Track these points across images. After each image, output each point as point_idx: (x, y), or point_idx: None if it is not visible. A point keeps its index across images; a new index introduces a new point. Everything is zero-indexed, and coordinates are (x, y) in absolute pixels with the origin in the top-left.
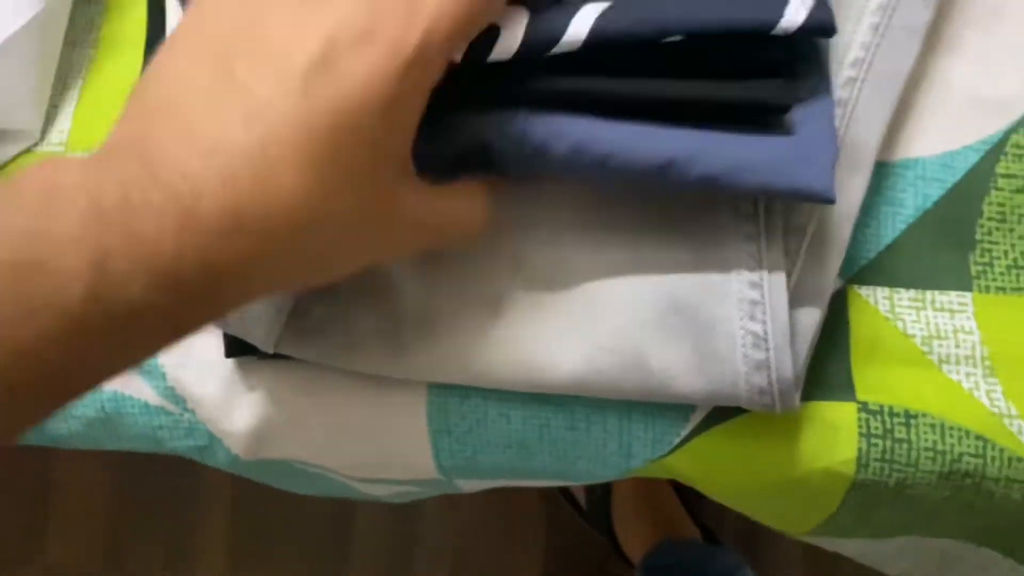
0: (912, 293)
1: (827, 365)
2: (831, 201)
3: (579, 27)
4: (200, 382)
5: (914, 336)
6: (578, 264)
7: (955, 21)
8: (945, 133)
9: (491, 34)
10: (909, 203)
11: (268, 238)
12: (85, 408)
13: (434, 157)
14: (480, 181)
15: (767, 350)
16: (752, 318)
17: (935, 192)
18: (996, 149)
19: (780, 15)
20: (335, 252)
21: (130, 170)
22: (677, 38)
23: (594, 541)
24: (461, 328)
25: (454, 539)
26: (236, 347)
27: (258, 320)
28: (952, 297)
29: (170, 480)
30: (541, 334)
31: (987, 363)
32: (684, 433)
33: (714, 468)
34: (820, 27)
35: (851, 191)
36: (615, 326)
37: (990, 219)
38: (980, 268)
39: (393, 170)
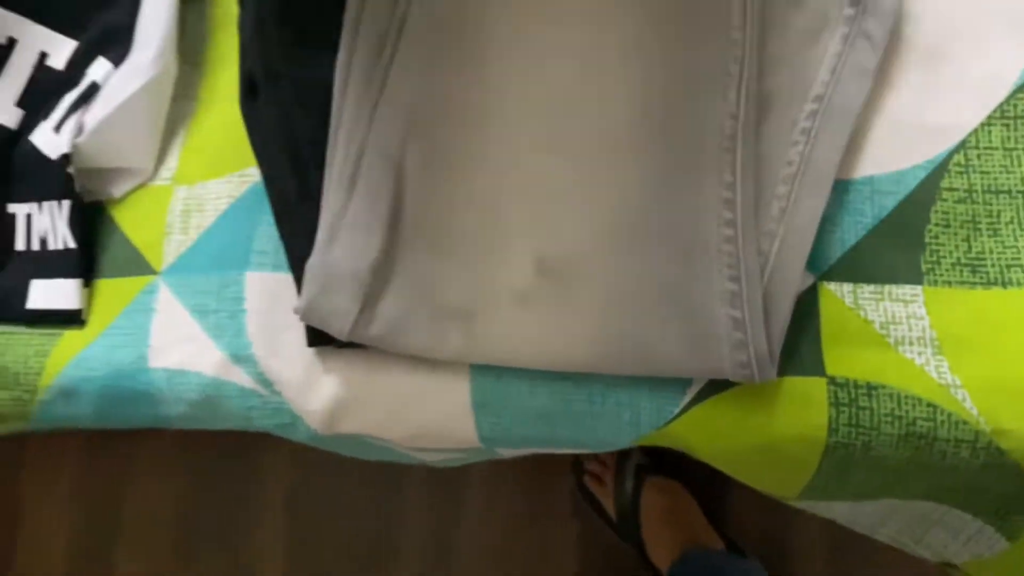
0: (872, 287)
1: (801, 347)
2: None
3: None
4: (286, 368)
5: (874, 322)
6: (590, 265)
7: (902, 61)
8: (896, 154)
9: None
10: (868, 213)
11: None
12: (191, 392)
13: None
14: None
15: (746, 331)
16: (732, 306)
17: (890, 203)
18: (940, 167)
19: None
20: None
21: None
22: None
23: (624, 552)
24: (496, 319)
25: (490, 548)
26: (316, 337)
27: (335, 314)
28: (906, 290)
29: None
30: (560, 324)
31: (935, 343)
32: (682, 404)
33: (709, 434)
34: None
35: (814, 204)
36: (620, 316)
37: (936, 225)
38: (929, 266)
39: None
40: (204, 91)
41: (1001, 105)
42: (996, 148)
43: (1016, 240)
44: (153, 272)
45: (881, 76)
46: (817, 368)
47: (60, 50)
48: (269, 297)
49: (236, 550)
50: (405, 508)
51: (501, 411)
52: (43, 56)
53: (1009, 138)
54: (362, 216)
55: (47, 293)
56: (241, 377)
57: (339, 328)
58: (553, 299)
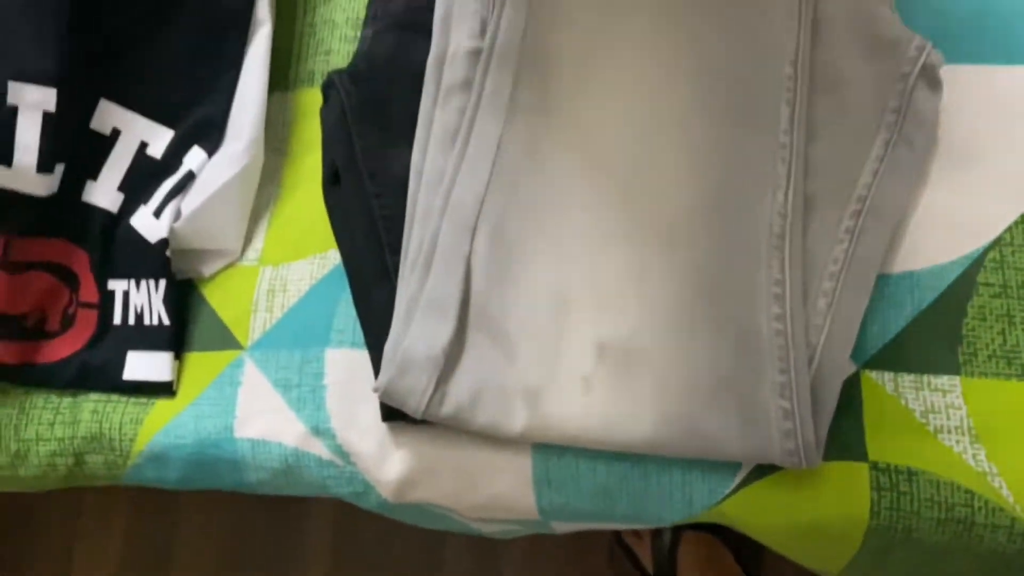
0: (912, 376)
1: (845, 432)
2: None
3: None
4: (362, 440)
5: (915, 410)
6: (650, 353)
7: (939, 160)
8: (935, 250)
9: None
10: (908, 305)
11: None
12: (273, 462)
13: None
14: None
15: (794, 421)
16: (782, 396)
17: (928, 297)
18: (976, 263)
19: None
20: None
21: None
22: None
23: None
24: (560, 402)
25: None
26: (391, 413)
27: (411, 394)
28: (944, 380)
29: (277, 532)
30: (620, 408)
31: (973, 432)
32: (733, 485)
33: (757, 513)
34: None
35: (858, 300)
36: (678, 402)
37: (974, 318)
38: (966, 357)
39: None
40: (288, 176)
41: None
42: None
43: None
44: (240, 347)
45: (924, 176)
46: (860, 453)
47: (159, 140)
48: (347, 373)
49: None
50: (446, 554)
51: (561, 487)
52: (143, 145)
53: None
54: (436, 300)
55: (142, 365)
56: (320, 448)
57: (414, 408)
58: (614, 384)
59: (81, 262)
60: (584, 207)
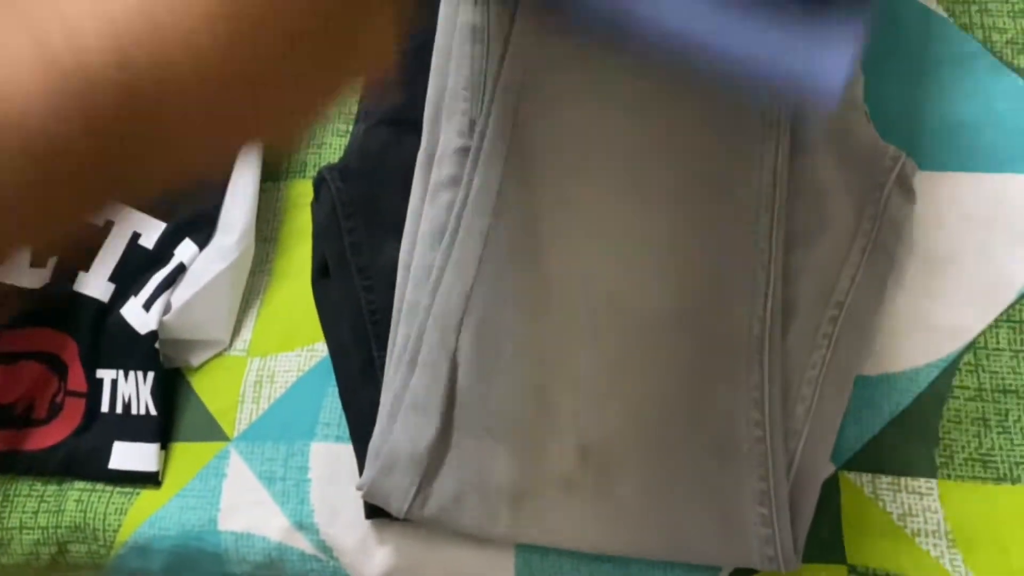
0: (890, 478)
1: (823, 535)
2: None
3: None
4: (345, 536)
5: (892, 513)
6: (630, 456)
7: (915, 265)
8: (911, 353)
9: None
10: (885, 407)
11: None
12: (256, 555)
13: None
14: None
15: (773, 527)
16: (761, 504)
17: (905, 400)
18: (952, 366)
19: None
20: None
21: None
22: None
23: None
24: (542, 504)
25: None
26: (374, 511)
27: (394, 493)
28: (921, 482)
29: None
30: (601, 511)
31: (950, 537)
32: None
33: None
34: None
35: (836, 405)
36: (659, 508)
37: (950, 421)
38: (943, 460)
39: None
40: (277, 266)
41: (1007, 309)
42: (1004, 350)
43: None
44: (226, 439)
45: (900, 280)
46: (838, 556)
47: (151, 231)
48: (332, 467)
49: None
50: None
51: None
52: (135, 236)
53: (1015, 340)
54: (421, 398)
55: (128, 455)
56: (303, 543)
57: (397, 508)
58: (595, 487)
59: (70, 351)
60: (570, 308)
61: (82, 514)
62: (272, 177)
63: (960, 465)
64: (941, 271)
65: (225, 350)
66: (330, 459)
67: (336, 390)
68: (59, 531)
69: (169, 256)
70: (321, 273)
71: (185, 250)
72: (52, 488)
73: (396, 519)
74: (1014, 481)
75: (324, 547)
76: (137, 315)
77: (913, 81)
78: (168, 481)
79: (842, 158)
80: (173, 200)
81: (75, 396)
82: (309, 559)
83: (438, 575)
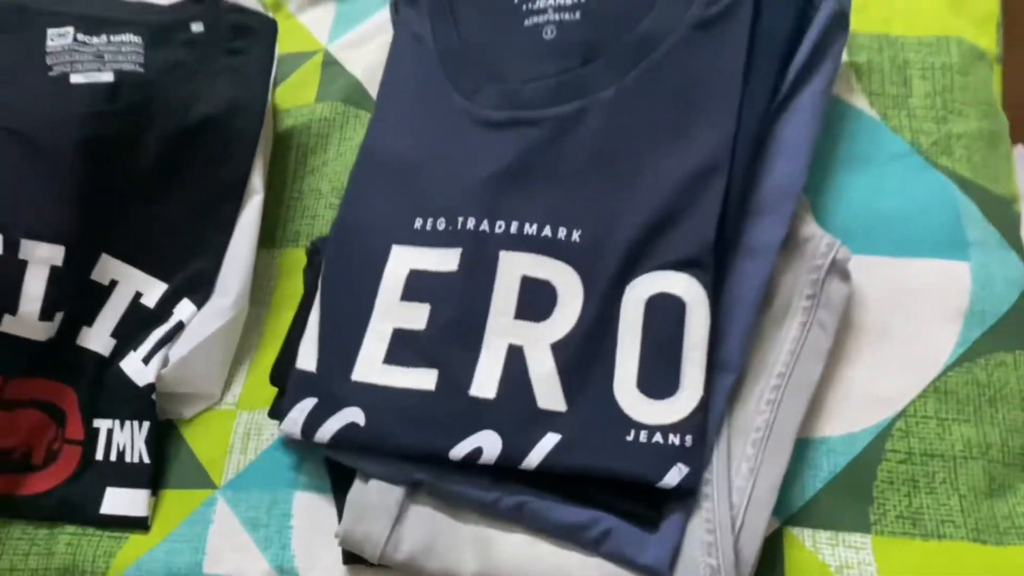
0: (828, 533)
1: None
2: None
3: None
4: None
5: (830, 565)
6: None
7: (854, 340)
8: (849, 419)
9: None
10: (824, 468)
11: None
12: None
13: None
14: None
15: None
16: (709, 554)
17: (842, 461)
18: (885, 431)
19: (662, 477)
20: None
21: None
22: None
23: None
24: (508, 550)
25: None
26: (351, 557)
27: (368, 540)
28: (856, 537)
29: None
30: (566, 553)
31: None
32: None
33: None
34: (688, 490)
35: (777, 465)
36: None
37: (883, 481)
38: (876, 517)
39: None
40: (269, 328)
41: (934, 381)
42: (931, 417)
43: (949, 499)
44: (214, 486)
45: (837, 352)
46: None
47: (153, 291)
48: (313, 516)
49: None
50: None
51: None
52: (138, 295)
53: (941, 409)
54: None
55: (119, 501)
56: None
57: (371, 553)
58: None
59: (70, 401)
60: None
61: (71, 556)
62: (267, 244)
63: (892, 522)
64: (875, 345)
65: (216, 404)
66: (312, 509)
67: None
68: (48, 573)
69: (169, 315)
70: (300, 330)
71: (184, 309)
72: (43, 532)
73: (372, 565)
74: (940, 538)
75: None
76: (136, 368)
77: (849, 176)
78: (156, 526)
79: (785, 244)
80: (174, 263)
81: (72, 444)
82: None
83: None
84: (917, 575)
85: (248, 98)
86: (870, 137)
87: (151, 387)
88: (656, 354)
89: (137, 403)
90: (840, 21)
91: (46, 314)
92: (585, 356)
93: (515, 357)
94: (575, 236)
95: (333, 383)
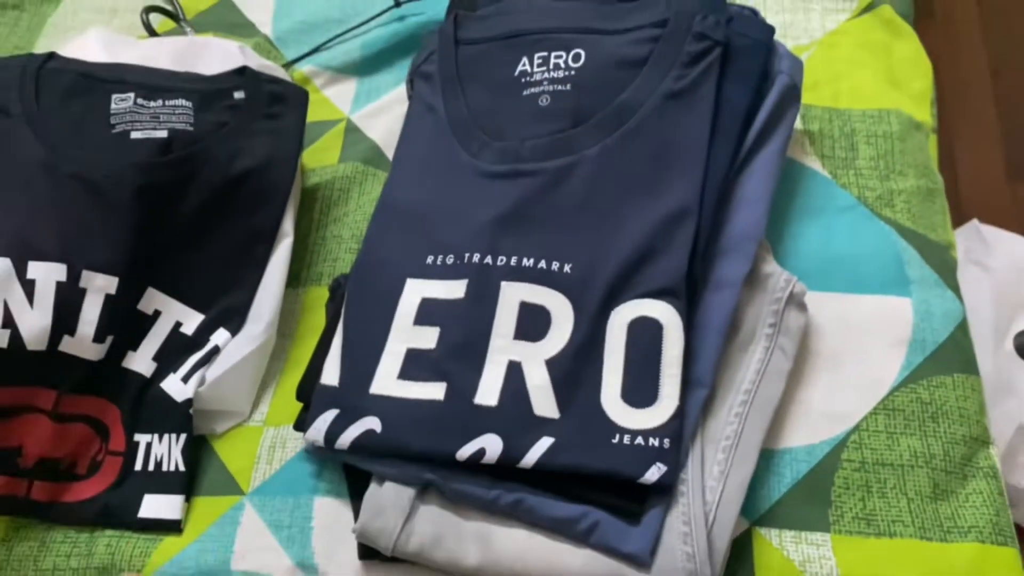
0: (793, 533)
1: None
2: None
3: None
4: (341, 574)
5: (795, 561)
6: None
7: (809, 366)
8: (809, 432)
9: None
10: (788, 475)
11: None
12: None
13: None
14: None
15: (695, 562)
16: (685, 543)
17: (803, 469)
18: (841, 443)
19: (643, 474)
20: None
21: None
22: None
23: None
24: (508, 541)
25: None
26: (367, 553)
27: (382, 533)
28: (817, 536)
29: None
30: (558, 546)
31: None
32: None
33: None
34: (666, 486)
35: (744, 470)
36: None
37: (840, 487)
38: (835, 518)
39: None
40: (293, 355)
41: (883, 400)
42: (881, 431)
43: (898, 502)
44: (242, 493)
45: (796, 375)
46: None
47: (191, 321)
48: (332, 518)
49: None
50: None
51: None
52: (178, 324)
53: (890, 424)
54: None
55: (156, 506)
56: None
57: (385, 545)
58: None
59: (114, 417)
60: None
61: (110, 556)
62: (293, 284)
63: (849, 523)
64: (830, 369)
65: (245, 421)
66: (331, 511)
67: None
68: (89, 571)
69: (205, 341)
70: (320, 360)
71: (219, 336)
72: (84, 535)
73: (386, 559)
74: (892, 536)
75: None
76: (176, 387)
77: (805, 226)
78: (189, 529)
79: (749, 280)
80: (212, 297)
81: (114, 455)
82: None
83: None
84: (872, 569)
85: (282, 154)
86: (822, 192)
87: (189, 402)
88: (638, 368)
89: (175, 418)
90: (792, 92)
91: (99, 337)
92: (575, 370)
93: (514, 371)
94: (567, 268)
95: (353, 396)
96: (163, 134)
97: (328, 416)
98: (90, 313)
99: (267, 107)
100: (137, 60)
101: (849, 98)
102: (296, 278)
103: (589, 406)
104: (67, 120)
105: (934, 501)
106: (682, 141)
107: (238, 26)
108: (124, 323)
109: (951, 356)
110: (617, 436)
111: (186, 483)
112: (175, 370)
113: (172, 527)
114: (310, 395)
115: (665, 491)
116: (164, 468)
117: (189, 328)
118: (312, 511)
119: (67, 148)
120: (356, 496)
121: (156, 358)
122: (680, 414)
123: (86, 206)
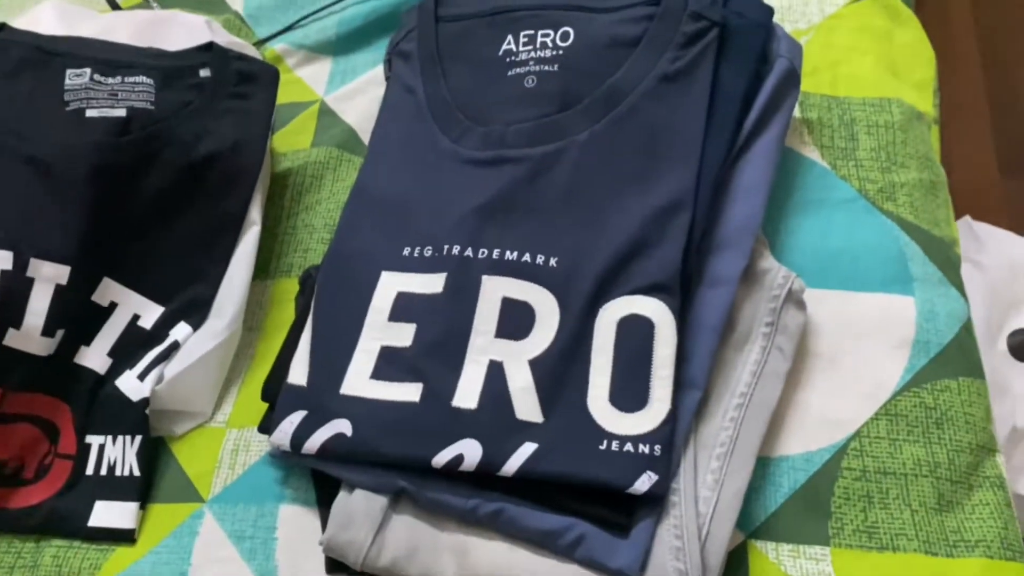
0: (790, 546)
1: None
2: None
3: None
4: None
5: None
6: None
7: (807, 368)
8: (807, 439)
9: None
10: (785, 485)
11: None
12: None
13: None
14: None
15: None
16: (677, 559)
17: (801, 478)
18: (840, 451)
19: (632, 483)
20: None
21: None
22: None
23: None
24: (486, 555)
25: None
26: (334, 566)
27: (351, 546)
28: (816, 550)
29: None
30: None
31: None
32: None
33: None
34: (657, 496)
35: (740, 478)
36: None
37: (840, 497)
38: (835, 530)
39: None
40: (259, 351)
41: (885, 404)
42: (883, 438)
43: (902, 514)
44: (201, 500)
45: (794, 377)
46: None
47: (150, 314)
48: (297, 528)
49: None
50: None
51: None
52: (135, 317)
53: (893, 430)
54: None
55: (108, 513)
56: None
57: (354, 560)
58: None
59: (64, 417)
60: None
61: (57, 569)
62: (261, 275)
63: (849, 535)
64: (829, 371)
65: (206, 422)
66: (297, 521)
67: None
68: None
69: (165, 336)
70: (288, 355)
71: (180, 331)
72: (30, 545)
73: (354, 573)
74: (895, 550)
75: None
76: (131, 385)
77: (803, 219)
78: (143, 539)
79: (745, 276)
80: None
81: (63, 458)
82: None
83: None
84: None
85: (250, 137)
86: (822, 184)
87: (145, 402)
88: (627, 370)
89: (130, 418)
90: (791, 78)
91: (48, 330)
92: (561, 371)
93: (495, 372)
94: (552, 262)
95: (323, 397)
96: (121, 112)
97: (295, 418)
98: (38, 305)
99: (235, 86)
100: (96, 34)
101: (848, 85)
102: (264, 269)
103: (575, 410)
104: (16, 96)
105: (939, 513)
106: (676, 127)
107: (207, 2)
108: (76, 316)
109: (956, 358)
110: (605, 442)
111: (141, 489)
112: (131, 367)
113: (125, 537)
114: (276, 395)
115: (656, 501)
116: (117, 472)
117: (147, 321)
118: (277, 520)
119: (15, 125)
120: (324, 504)
121: (111, 354)
122: (672, 419)
123: (35, 189)
